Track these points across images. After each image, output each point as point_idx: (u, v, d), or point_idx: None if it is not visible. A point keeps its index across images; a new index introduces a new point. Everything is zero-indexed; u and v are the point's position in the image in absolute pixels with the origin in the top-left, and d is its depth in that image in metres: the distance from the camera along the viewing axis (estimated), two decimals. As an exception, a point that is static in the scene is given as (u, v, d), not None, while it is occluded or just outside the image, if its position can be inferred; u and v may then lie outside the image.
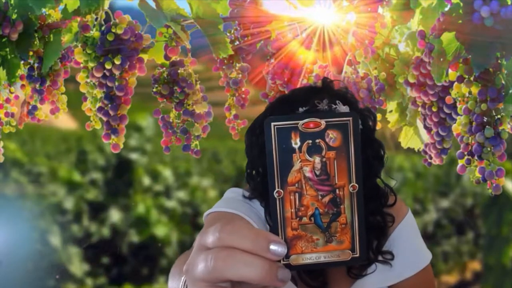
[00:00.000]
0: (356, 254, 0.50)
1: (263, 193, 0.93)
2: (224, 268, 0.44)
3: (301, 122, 0.49)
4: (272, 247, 0.45)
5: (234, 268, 0.44)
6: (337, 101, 0.90)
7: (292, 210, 0.49)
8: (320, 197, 0.50)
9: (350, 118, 0.49)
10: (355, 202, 0.50)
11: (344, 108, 0.89)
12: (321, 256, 0.50)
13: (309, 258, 0.49)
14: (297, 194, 0.49)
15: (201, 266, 0.45)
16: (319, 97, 0.90)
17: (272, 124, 0.48)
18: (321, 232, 0.50)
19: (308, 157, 0.49)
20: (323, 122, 0.49)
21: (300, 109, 0.89)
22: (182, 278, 0.56)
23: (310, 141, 0.49)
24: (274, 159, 0.49)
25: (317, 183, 0.49)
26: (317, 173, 0.49)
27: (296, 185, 0.49)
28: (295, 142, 0.49)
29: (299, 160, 0.49)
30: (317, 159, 0.49)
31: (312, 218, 0.50)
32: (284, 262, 0.49)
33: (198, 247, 0.48)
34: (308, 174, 0.49)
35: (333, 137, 0.49)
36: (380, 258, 0.96)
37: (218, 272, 0.45)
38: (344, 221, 0.50)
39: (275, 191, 0.49)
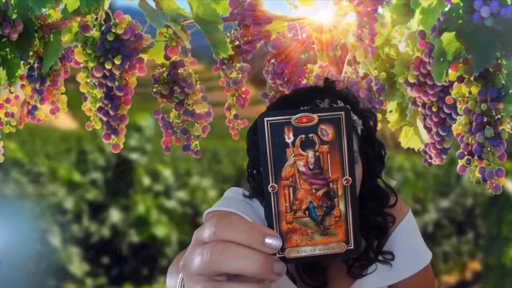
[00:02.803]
0: (351, 246, 0.51)
1: (262, 191, 0.93)
2: (220, 262, 0.45)
3: (294, 117, 0.49)
4: (267, 240, 0.46)
5: (230, 261, 0.45)
6: (338, 101, 0.90)
7: (287, 204, 0.50)
8: (314, 190, 0.50)
9: (342, 113, 0.49)
10: (349, 195, 0.50)
11: None
12: (316, 249, 0.50)
13: (304, 251, 0.50)
14: (291, 188, 0.50)
15: (198, 260, 0.46)
16: (320, 97, 0.90)
17: (265, 119, 0.49)
18: (315, 225, 0.50)
19: (301, 152, 0.49)
20: (315, 117, 0.49)
21: (301, 108, 0.89)
22: (180, 274, 0.56)
23: (303, 136, 0.49)
24: (268, 154, 0.49)
25: (311, 177, 0.50)
26: (311, 167, 0.50)
27: (290, 179, 0.50)
28: (289, 137, 0.49)
29: (293, 154, 0.49)
30: (311, 153, 0.49)
31: (307, 212, 0.50)
32: (280, 255, 0.49)
33: (195, 242, 0.48)
34: (302, 168, 0.50)
35: (326, 131, 0.49)
36: (380, 258, 0.96)
37: (214, 266, 0.45)
38: (338, 214, 0.50)
39: (269, 186, 0.49)
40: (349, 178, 0.50)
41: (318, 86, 0.99)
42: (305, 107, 0.89)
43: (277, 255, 0.49)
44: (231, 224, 0.46)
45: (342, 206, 0.50)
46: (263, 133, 0.49)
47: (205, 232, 0.47)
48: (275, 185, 0.49)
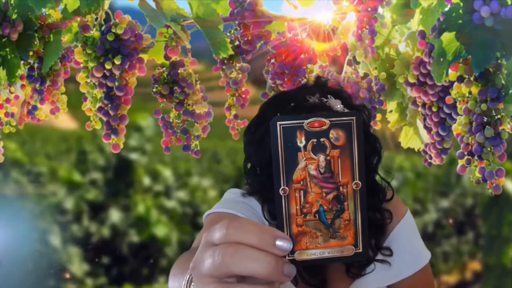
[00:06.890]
0: (359, 249, 0.51)
1: (259, 189, 0.93)
2: (231, 264, 0.45)
3: (306, 121, 0.50)
4: (278, 242, 0.46)
5: (241, 263, 0.45)
6: (328, 96, 0.90)
7: (297, 207, 0.50)
8: (324, 194, 0.51)
9: (354, 118, 0.50)
10: (358, 199, 0.51)
11: (336, 102, 0.90)
12: (325, 252, 0.51)
13: (314, 253, 0.51)
14: (302, 192, 0.50)
15: (209, 262, 0.46)
16: (310, 92, 0.91)
17: (278, 123, 0.49)
18: (325, 228, 0.51)
19: (313, 156, 0.50)
20: (327, 122, 0.50)
21: (292, 104, 0.90)
22: (186, 276, 0.56)
23: (315, 140, 0.50)
24: (280, 157, 0.50)
25: (321, 181, 0.50)
26: (322, 171, 0.50)
27: (301, 182, 0.50)
28: (300, 141, 0.50)
29: (304, 158, 0.50)
30: (322, 158, 0.50)
31: (317, 215, 0.51)
32: (289, 258, 0.50)
33: (205, 243, 0.48)
34: (313, 172, 0.50)
35: (337, 136, 0.50)
36: (379, 255, 0.96)
37: (225, 267, 0.45)
38: (348, 217, 0.51)
39: (280, 189, 0.50)
40: (359, 182, 0.51)
41: (308, 83, 1.00)
42: (294, 104, 0.90)
43: (287, 257, 0.49)
44: (242, 226, 0.46)
45: (351, 210, 0.51)
46: (275, 136, 0.49)
47: (216, 234, 0.47)
48: (287, 188, 0.50)
